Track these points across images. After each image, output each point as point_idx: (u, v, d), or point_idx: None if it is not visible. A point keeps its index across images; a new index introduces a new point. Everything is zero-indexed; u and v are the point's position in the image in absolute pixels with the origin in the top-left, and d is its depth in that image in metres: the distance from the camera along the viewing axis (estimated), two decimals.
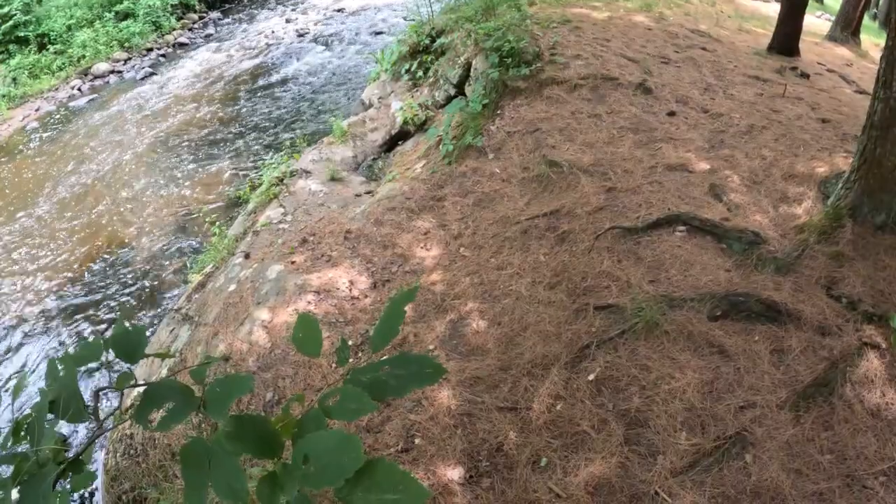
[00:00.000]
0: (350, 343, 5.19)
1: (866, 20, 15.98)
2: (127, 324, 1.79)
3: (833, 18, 14.97)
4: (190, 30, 20.19)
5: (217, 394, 1.59)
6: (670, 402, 3.70)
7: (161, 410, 1.61)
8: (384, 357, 1.70)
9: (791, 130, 6.67)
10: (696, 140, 6.38)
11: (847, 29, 13.57)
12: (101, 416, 1.80)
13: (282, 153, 9.49)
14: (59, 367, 1.66)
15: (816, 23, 16.66)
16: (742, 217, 5.13)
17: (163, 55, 18.31)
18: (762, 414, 3.63)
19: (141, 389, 1.67)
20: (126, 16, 19.50)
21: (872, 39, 14.50)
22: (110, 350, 1.70)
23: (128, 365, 1.71)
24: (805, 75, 9.07)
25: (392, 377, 1.60)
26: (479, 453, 3.81)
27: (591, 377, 3.98)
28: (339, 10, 19.53)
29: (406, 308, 1.82)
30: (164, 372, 5.95)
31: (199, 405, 1.57)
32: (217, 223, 8.61)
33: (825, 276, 4.50)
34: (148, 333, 7.68)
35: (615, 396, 3.85)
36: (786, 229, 5.02)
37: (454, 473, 3.73)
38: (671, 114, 6.91)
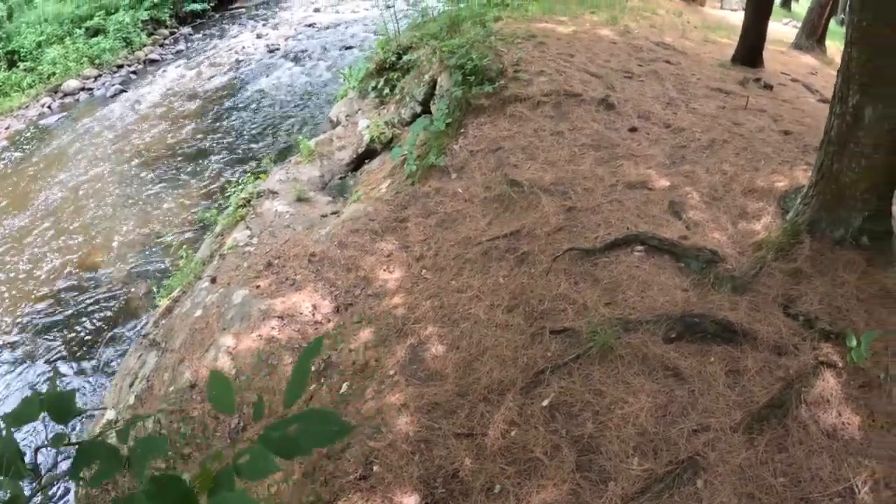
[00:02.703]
0: (312, 369, 5.15)
1: (833, 26, 16.13)
2: (59, 386, 1.82)
3: (799, 26, 15.09)
4: (161, 46, 20.05)
5: (138, 455, 1.62)
6: (623, 426, 3.66)
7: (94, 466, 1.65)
8: (294, 413, 1.68)
9: (753, 143, 6.68)
10: (658, 156, 6.38)
11: (812, 37, 13.68)
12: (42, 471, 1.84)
13: (248, 174, 9.40)
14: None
15: (783, 30, 16.81)
16: (700, 235, 5.11)
17: (133, 72, 18.16)
18: (716, 437, 3.58)
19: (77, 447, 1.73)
20: (96, 32, 19.34)
21: (838, 45, 14.58)
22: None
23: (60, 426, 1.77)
24: (769, 86, 9.12)
25: (301, 435, 1.59)
26: (435, 480, 3.78)
27: (545, 403, 3.93)
28: (309, 26, 19.49)
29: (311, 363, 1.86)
30: (131, 399, 5.90)
31: (125, 464, 1.61)
32: (184, 246, 8.55)
33: (782, 293, 4.46)
34: (115, 361, 7.70)
35: (568, 422, 3.80)
36: (744, 246, 5.00)
37: (410, 501, 3.70)
38: (633, 129, 6.91)
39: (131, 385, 6.19)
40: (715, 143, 6.66)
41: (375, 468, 3.99)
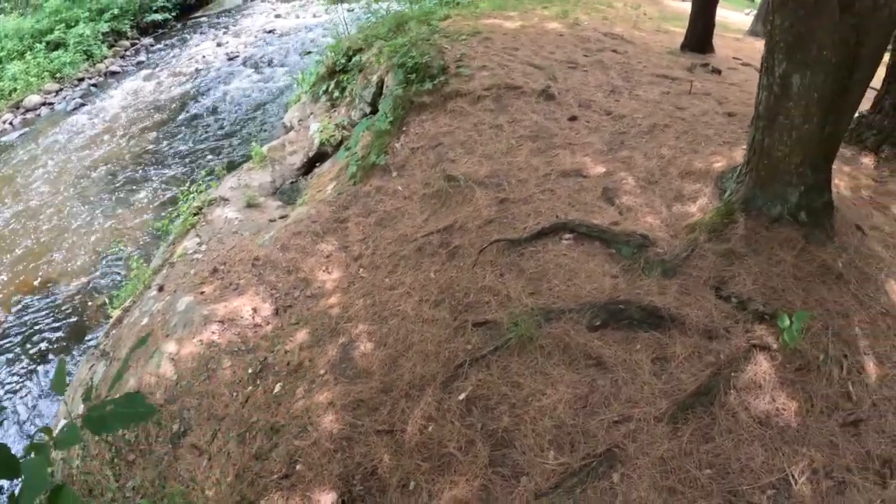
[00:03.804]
0: (249, 371, 5.12)
1: None
2: None
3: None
4: (122, 57, 19.81)
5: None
6: (540, 419, 3.57)
7: None
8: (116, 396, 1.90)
9: (694, 127, 6.60)
10: (595, 143, 6.31)
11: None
12: None
13: (198, 182, 9.27)
14: None
15: (745, 20, 16.86)
16: (633, 220, 5.02)
17: (94, 85, 17.93)
18: (637, 428, 3.45)
19: None
20: (57, 46, 19.08)
21: None
22: None
23: None
24: (717, 71, 9.09)
25: (111, 416, 1.78)
26: (353, 477, 3.77)
27: (461, 396, 3.87)
28: (269, 32, 19.35)
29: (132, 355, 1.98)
30: (81, 409, 5.82)
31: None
32: (135, 257, 8.44)
33: (714, 275, 4.33)
34: (72, 373, 7.63)
35: (484, 416, 3.73)
36: (678, 229, 4.88)
37: (328, 499, 3.69)
38: (573, 119, 6.84)
39: (83, 396, 6.10)
40: (655, 128, 6.58)
41: (298, 467, 4.00)
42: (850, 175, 5.79)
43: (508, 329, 4.10)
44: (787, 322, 3.76)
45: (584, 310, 4.14)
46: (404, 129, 7.32)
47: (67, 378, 7.94)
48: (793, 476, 3.12)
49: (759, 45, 12.67)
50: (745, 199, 4.68)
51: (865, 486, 3.04)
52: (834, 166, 5.70)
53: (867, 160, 6.14)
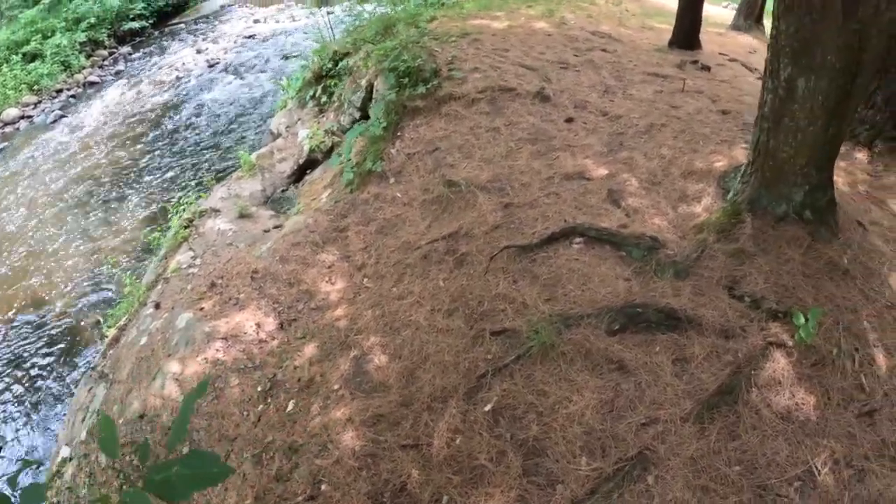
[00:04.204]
0: (259, 389, 5.04)
1: (770, 5, 16.19)
2: None
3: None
4: (100, 67, 19.56)
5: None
6: (569, 426, 3.57)
7: None
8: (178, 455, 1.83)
9: (691, 125, 6.62)
10: (595, 145, 6.29)
11: (750, 17, 13.75)
12: None
13: (189, 193, 9.16)
14: None
15: (723, 13, 16.90)
16: (640, 222, 5.02)
17: (73, 96, 17.70)
18: (665, 429, 3.50)
19: None
20: (34, 57, 18.81)
21: None
22: None
23: None
24: (706, 67, 9.11)
25: (181, 479, 1.62)
26: (382, 495, 3.71)
27: (487, 407, 3.84)
28: (249, 37, 19.21)
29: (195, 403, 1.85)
30: (83, 434, 5.74)
31: None
32: (128, 272, 8.33)
33: (726, 275, 4.37)
34: (67, 396, 7.51)
35: (513, 426, 3.71)
36: (685, 230, 4.90)
37: None
38: (569, 120, 6.82)
39: (83, 420, 6.02)
40: (653, 128, 6.58)
41: (323, 487, 3.92)
42: (847, 171, 5.85)
43: (529, 337, 4.07)
44: (803, 319, 3.84)
45: (602, 314, 4.14)
46: (399, 134, 7.27)
47: (65, 401, 7.88)
48: (816, 467, 3.23)
49: (743, 40, 12.81)
50: (750, 199, 4.73)
51: (883, 473, 3.17)
52: None
53: (861, 155, 6.22)
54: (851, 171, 5.91)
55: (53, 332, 8.86)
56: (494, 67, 8.00)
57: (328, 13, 12.48)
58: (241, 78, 16.06)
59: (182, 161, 12.72)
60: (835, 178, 5.44)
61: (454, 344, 4.37)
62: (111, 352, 6.61)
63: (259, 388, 5.02)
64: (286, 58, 16.38)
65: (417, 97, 7.49)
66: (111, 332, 7.16)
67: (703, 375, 3.76)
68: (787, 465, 3.25)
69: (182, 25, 21.91)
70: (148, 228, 10.21)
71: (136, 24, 21.48)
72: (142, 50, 20.37)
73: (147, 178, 12.35)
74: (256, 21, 20.84)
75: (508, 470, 3.47)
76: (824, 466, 3.21)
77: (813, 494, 3.13)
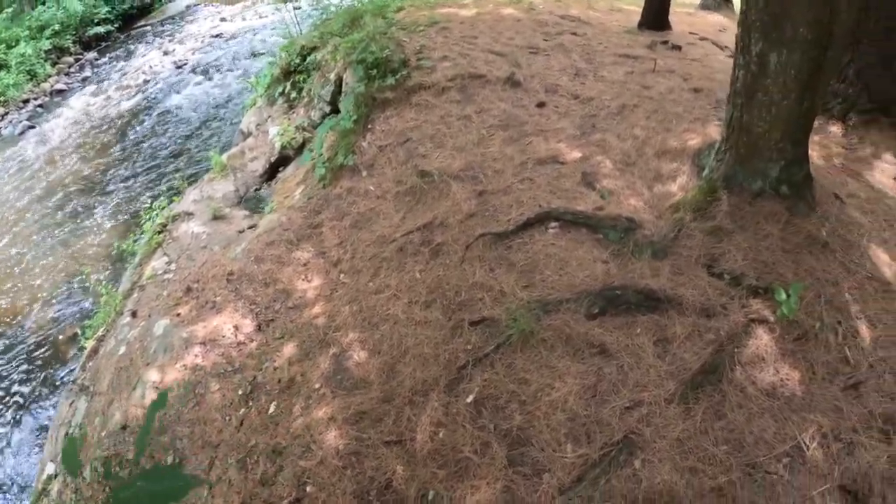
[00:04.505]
0: (240, 392, 4.96)
1: None
2: None
3: None
4: (66, 74, 19.17)
5: None
6: (552, 414, 3.52)
7: None
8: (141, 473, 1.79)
9: (663, 105, 6.59)
10: (567, 128, 6.23)
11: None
12: None
13: (161, 198, 9.01)
14: None
15: None
16: (616, 204, 4.97)
17: (40, 105, 17.32)
18: (650, 412, 3.46)
19: None
20: None
21: None
22: None
23: None
24: (677, 47, 9.08)
25: (145, 495, 1.58)
26: (368, 493, 3.66)
27: (469, 399, 3.79)
28: (216, 36, 18.95)
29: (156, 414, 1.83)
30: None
31: None
32: (104, 282, 8.18)
33: (705, 254, 4.36)
34: (50, 411, 7.39)
35: (496, 416, 3.66)
36: (661, 210, 4.88)
37: None
38: (541, 104, 6.75)
39: (66, 434, 5.91)
40: (625, 109, 6.55)
41: (309, 488, 3.87)
42: (821, 144, 5.85)
43: (507, 325, 4.01)
44: (784, 295, 3.83)
45: (581, 298, 4.10)
46: (369, 126, 7.17)
47: (46, 422, 7.73)
48: (804, 443, 3.21)
49: (713, 18, 12.80)
50: (726, 175, 4.71)
51: (871, 445, 3.16)
52: None
53: (835, 129, 6.22)
54: (826, 144, 5.90)
55: (31, 348, 8.66)
56: (464, 55, 7.91)
57: (295, 8, 12.34)
58: (210, 78, 15.83)
59: (153, 165, 12.52)
60: (811, 152, 5.45)
61: (433, 336, 4.30)
62: (90, 364, 6.48)
63: (240, 392, 4.94)
64: (255, 55, 16.18)
65: (387, 88, 7.39)
66: (90, 344, 7.02)
67: (685, 355, 3.73)
68: (774, 441, 3.24)
69: (148, 27, 21.58)
70: (122, 236, 10.06)
71: (101, 29, 21.11)
72: (108, 55, 20.02)
73: (118, 186, 12.13)
74: (223, 19, 20.57)
75: (493, 461, 3.42)
76: (812, 441, 3.20)
77: (802, 470, 3.12)
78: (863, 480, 3.03)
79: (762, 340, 3.72)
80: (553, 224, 4.80)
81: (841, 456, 3.14)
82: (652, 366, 3.70)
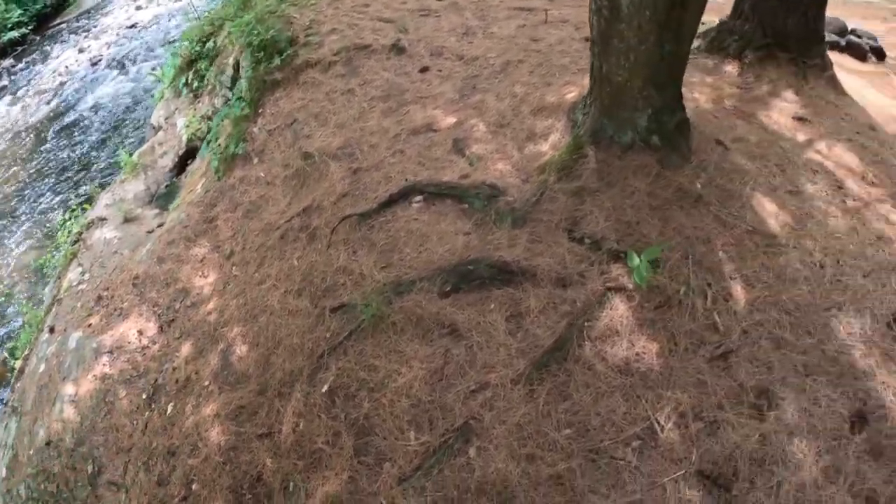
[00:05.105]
0: (144, 396, 5.05)
1: None
2: None
3: None
4: None
5: None
6: (397, 401, 3.48)
7: None
8: None
9: (549, 58, 6.44)
10: (447, 93, 6.15)
11: None
12: None
13: (74, 207, 8.83)
14: None
15: None
16: (483, 170, 4.85)
17: None
18: (494, 395, 3.32)
19: None
20: None
21: None
22: None
23: None
24: None
25: None
26: (242, 487, 3.74)
27: (324, 388, 3.79)
28: (132, 27, 18.41)
29: None
30: (3, 472, 5.61)
31: None
32: (24, 301, 8.06)
33: (566, 217, 4.13)
34: None
35: (346, 405, 3.66)
36: (529, 172, 4.68)
37: None
38: (424, 69, 6.66)
39: (2, 457, 5.91)
40: (509, 66, 6.41)
41: (194, 486, 3.97)
42: (713, 86, 5.65)
43: (361, 310, 3.98)
44: (637, 260, 3.58)
45: (435, 276, 3.99)
46: (260, 111, 7.07)
47: None
48: (658, 423, 3.02)
49: None
50: (593, 130, 4.51)
51: (741, 422, 2.96)
52: (695, 79, 5.57)
53: (730, 68, 5.98)
54: (719, 85, 5.68)
55: None
56: (352, 25, 7.78)
57: None
58: (126, 72, 15.40)
59: (71, 170, 12.20)
60: (698, 95, 5.31)
61: (301, 325, 4.30)
62: (18, 384, 6.50)
63: (144, 396, 5.02)
64: (169, 43, 15.76)
65: (275, 69, 7.27)
66: (18, 364, 7.01)
67: (538, 331, 3.55)
68: (623, 423, 3.06)
69: (64, 25, 20.86)
70: (42, 251, 9.87)
71: (15, 33, 20.30)
72: (24, 59, 19.35)
73: (37, 197, 11.83)
74: (139, 8, 19.94)
75: (342, 451, 3.41)
76: (668, 421, 3.01)
77: (654, 454, 2.94)
78: (726, 464, 2.83)
79: (618, 311, 3.50)
80: (417, 198, 4.73)
81: (701, 436, 2.94)
82: (502, 344, 3.54)
